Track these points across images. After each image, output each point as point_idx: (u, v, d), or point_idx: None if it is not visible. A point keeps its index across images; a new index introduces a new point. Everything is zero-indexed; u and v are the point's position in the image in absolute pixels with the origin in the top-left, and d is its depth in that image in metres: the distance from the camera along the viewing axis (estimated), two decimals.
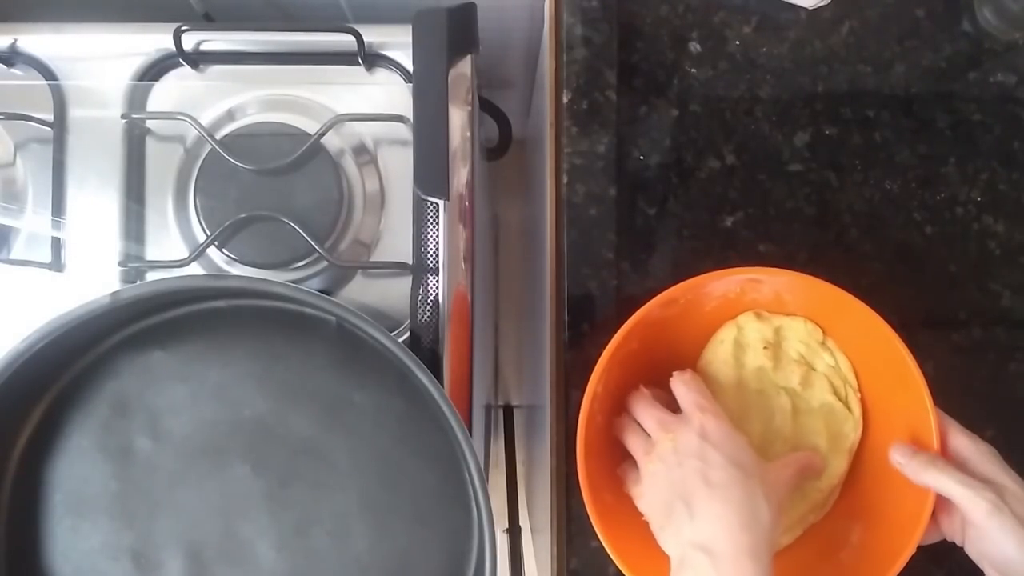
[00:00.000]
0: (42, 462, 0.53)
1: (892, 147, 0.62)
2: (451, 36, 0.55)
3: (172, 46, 0.57)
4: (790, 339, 0.55)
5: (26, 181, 0.59)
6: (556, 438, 0.60)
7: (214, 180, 0.57)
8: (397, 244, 0.58)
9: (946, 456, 0.49)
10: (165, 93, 0.59)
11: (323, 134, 0.56)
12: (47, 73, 0.58)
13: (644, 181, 0.61)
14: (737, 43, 0.62)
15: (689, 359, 0.56)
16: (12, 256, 0.58)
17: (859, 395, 0.55)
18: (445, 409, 0.48)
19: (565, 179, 0.60)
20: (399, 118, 0.58)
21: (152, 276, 0.57)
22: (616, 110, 0.61)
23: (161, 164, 0.59)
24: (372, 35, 0.58)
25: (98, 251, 0.58)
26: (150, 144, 0.59)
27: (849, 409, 0.54)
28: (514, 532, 1.00)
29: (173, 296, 0.52)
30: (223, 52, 0.59)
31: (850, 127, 0.62)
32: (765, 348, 0.55)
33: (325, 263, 0.57)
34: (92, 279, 0.57)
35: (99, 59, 0.59)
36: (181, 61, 0.58)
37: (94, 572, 0.53)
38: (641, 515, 0.51)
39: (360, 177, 0.58)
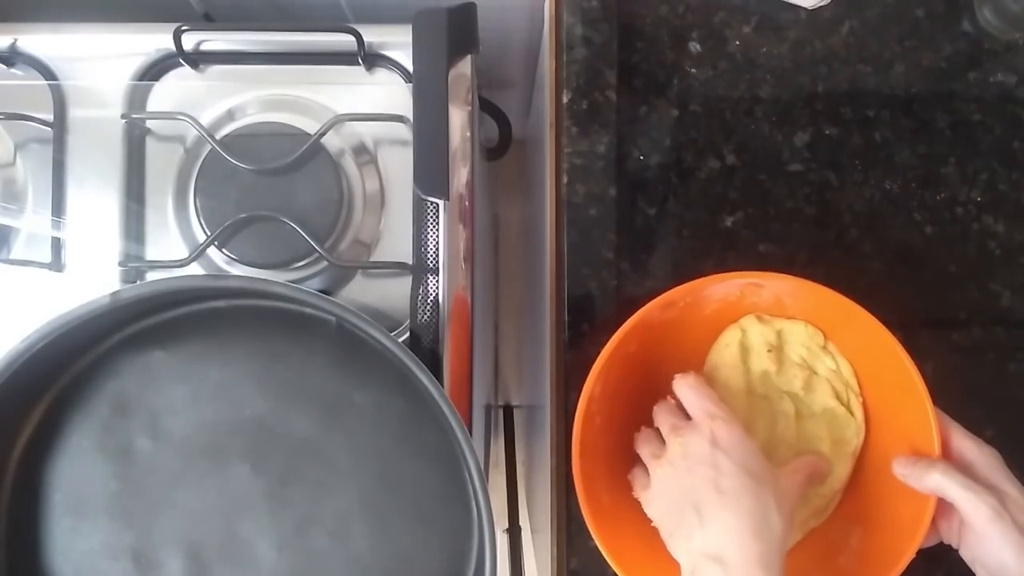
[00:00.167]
0: (42, 462, 0.53)
1: (892, 147, 0.62)
2: (451, 36, 0.55)
3: (172, 46, 0.57)
4: (791, 343, 0.55)
5: (26, 181, 0.59)
6: (556, 438, 0.60)
7: (214, 180, 0.57)
8: (397, 244, 0.58)
9: (949, 459, 0.49)
10: (165, 93, 0.59)
11: (323, 134, 0.56)
12: (47, 73, 0.58)
13: (644, 181, 0.61)
14: (737, 43, 0.62)
15: (689, 362, 0.56)
16: (12, 256, 0.58)
17: (861, 399, 0.54)
18: (445, 409, 0.48)
19: (565, 179, 0.60)
20: (399, 118, 0.58)
21: (152, 276, 0.57)
22: (616, 110, 0.61)
23: (161, 164, 0.59)
24: (372, 35, 0.58)
25: (98, 251, 0.58)
26: (150, 144, 0.59)
27: (851, 413, 0.54)
28: (514, 532, 1.00)
29: (173, 296, 0.52)
30: (223, 52, 0.59)
31: (850, 127, 0.62)
32: (769, 351, 0.54)
33: (325, 263, 0.57)
34: (92, 279, 0.57)
35: (99, 59, 0.59)
36: (181, 61, 0.58)
37: (94, 572, 0.53)
38: (641, 518, 0.50)
39: (360, 177, 0.58)
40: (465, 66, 0.57)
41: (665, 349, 0.55)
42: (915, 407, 0.50)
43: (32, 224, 0.58)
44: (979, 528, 0.45)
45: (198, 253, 0.56)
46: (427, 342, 0.54)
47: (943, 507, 0.48)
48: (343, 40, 0.57)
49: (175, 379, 0.53)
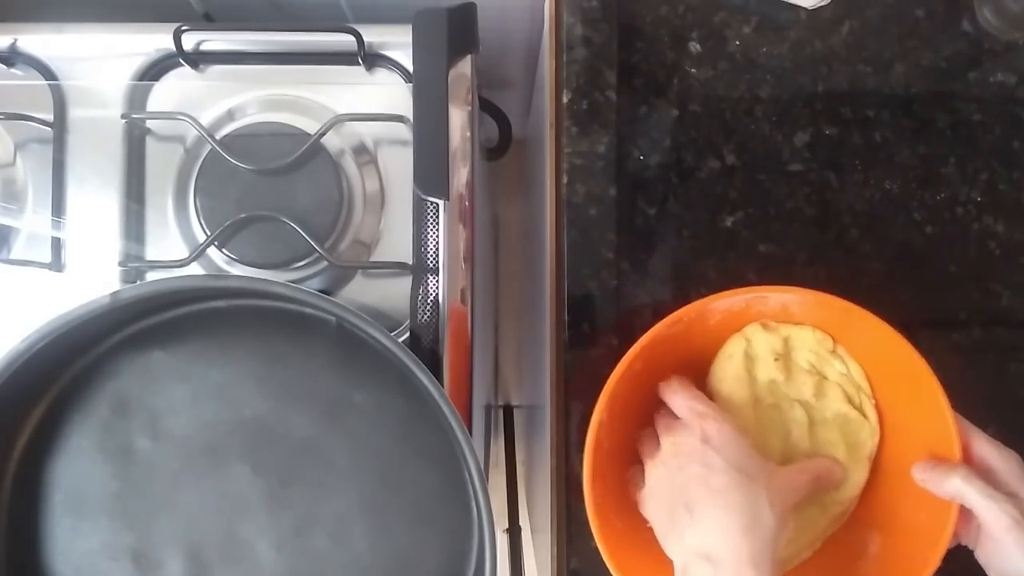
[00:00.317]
0: (42, 462, 0.53)
1: (892, 147, 0.62)
2: (451, 36, 0.55)
3: (172, 46, 0.57)
4: (799, 349, 0.54)
5: (26, 181, 0.59)
6: (556, 438, 0.60)
7: (214, 180, 0.57)
8: (397, 244, 0.58)
9: (970, 464, 0.48)
10: (165, 93, 0.59)
11: (323, 134, 0.56)
12: (47, 73, 0.58)
13: (644, 181, 0.61)
14: (737, 43, 0.62)
15: (694, 372, 0.55)
16: (12, 256, 0.58)
17: (873, 401, 0.54)
18: (445, 409, 0.48)
19: (565, 179, 0.60)
20: (399, 118, 0.58)
21: (152, 276, 0.57)
22: (616, 110, 0.61)
23: (161, 164, 0.59)
24: (372, 35, 0.58)
25: (98, 251, 0.58)
26: (150, 144, 0.59)
27: (865, 416, 0.53)
28: (514, 532, 1.00)
29: (173, 296, 0.52)
30: (223, 52, 0.59)
31: (850, 127, 0.62)
32: (776, 360, 0.53)
33: (325, 263, 0.57)
34: (92, 279, 0.57)
35: (99, 59, 0.59)
36: (181, 61, 0.58)
37: (94, 572, 0.53)
38: (650, 539, 0.49)
39: (360, 177, 0.58)
40: (465, 66, 0.57)
41: (670, 363, 0.54)
42: (933, 411, 0.49)
43: (32, 224, 0.58)
44: (997, 536, 0.44)
45: (198, 253, 0.56)
46: (427, 342, 0.54)
47: (962, 509, 0.48)
48: (343, 40, 0.57)
49: (175, 379, 0.53)
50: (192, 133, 0.58)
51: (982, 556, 0.47)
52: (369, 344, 0.51)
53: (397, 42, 0.59)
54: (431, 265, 0.55)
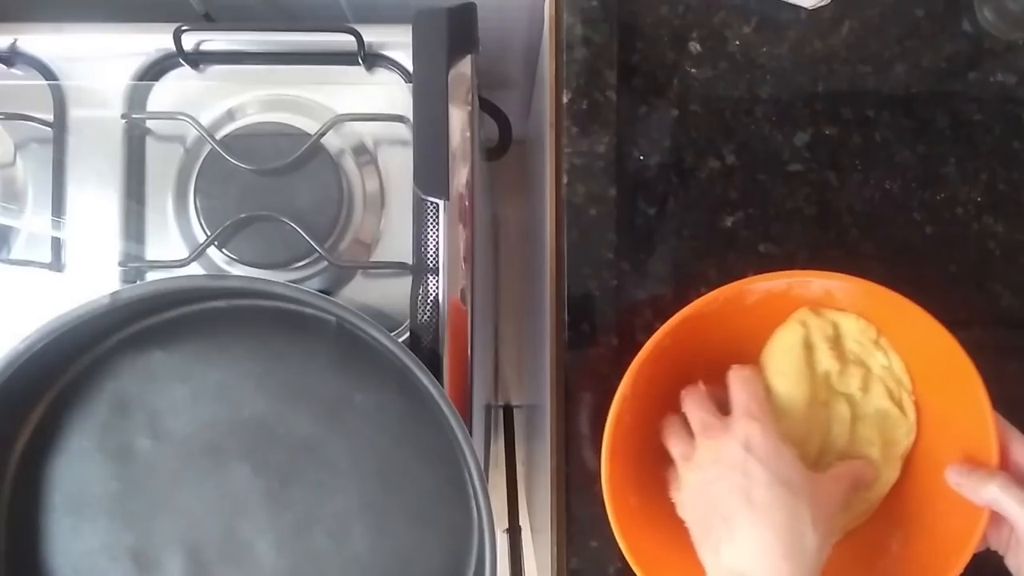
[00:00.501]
0: (42, 462, 0.53)
1: (892, 147, 0.62)
2: (451, 36, 0.55)
3: (172, 46, 0.57)
4: (845, 337, 0.52)
5: (26, 181, 0.59)
6: (556, 438, 0.60)
7: (214, 180, 0.57)
8: (397, 244, 0.58)
9: (1006, 467, 0.46)
10: (165, 93, 0.59)
11: (323, 134, 0.56)
12: (47, 73, 0.58)
13: (644, 181, 0.61)
14: (737, 43, 0.62)
15: (727, 354, 0.52)
16: (12, 256, 0.58)
17: (913, 398, 0.51)
18: (445, 409, 0.48)
19: (565, 179, 0.60)
20: (399, 118, 0.58)
21: (152, 276, 0.57)
22: (616, 110, 0.61)
23: (161, 164, 0.59)
24: (372, 35, 0.58)
25: (98, 251, 0.58)
26: (150, 144, 0.59)
27: (904, 414, 0.51)
28: (514, 532, 1.00)
29: (173, 296, 0.52)
30: (223, 52, 0.59)
31: (850, 127, 0.62)
32: (831, 349, 0.51)
33: (325, 263, 0.57)
34: (92, 279, 0.57)
35: (99, 59, 0.59)
36: (181, 61, 0.58)
37: (94, 572, 0.53)
38: (670, 519, 0.48)
39: (360, 177, 0.58)
40: (465, 66, 0.57)
41: (700, 341, 0.51)
42: (973, 411, 0.47)
43: (32, 224, 0.58)
44: None
45: (198, 253, 0.56)
46: (427, 342, 0.54)
47: (993, 514, 0.46)
48: (343, 40, 0.57)
49: (175, 379, 0.53)
50: (192, 133, 0.58)
51: (1013, 561, 0.46)
52: (369, 344, 0.51)
53: (397, 42, 0.59)
54: (431, 265, 0.55)
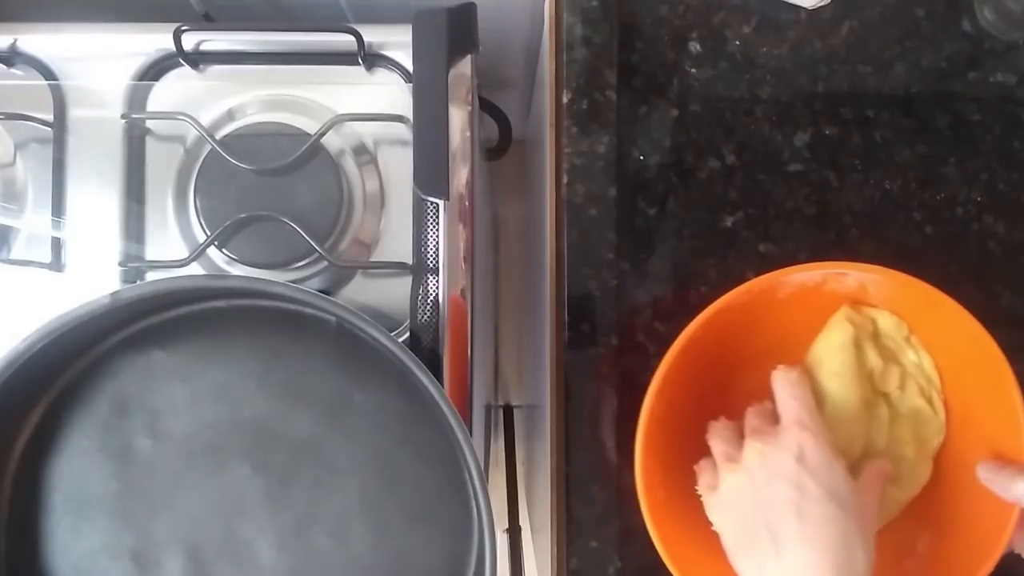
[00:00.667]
0: (42, 462, 0.53)
1: (892, 147, 0.62)
2: (451, 36, 0.55)
3: (172, 46, 0.57)
4: (881, 335, 0.51)
5: (26, 181, 0.59)
6: (556, 438, 0.60)
7: (214, 180, 0.57)
8: (397, 244, 0.58)
9: None
10: (165, 93, 0.59)
11: (323, 134, 0.56)
12: (47, 73, 0.58)
13: (644, 181, 0.61)
14: (737, 43, 0.62)
15: (759, 349, 0.52)
16: (12, 256, 0.58)
17: (942, 396, 0.51)
18: (445, 409, 0.48)
19: (565, 179, 0.60)
20: (399, 118, 0.58)
21: (152, 276, 0.57)
22: (616, 110, 0.61)
23: (161, 164, 0.59)
24: (372, 35, 0.58)
25: (98, 251, 0.58)
26: (150, 144, 0.59)
27: (935, 412, 0.51)
28: (514, 532, 1.00)
29: (173, 296, 0.52)
30: (223, 52, 0.59)
31: (850, 127, 0.62)
32: (874, 347, 0.50)
33: (325, 263, 0.57)
34: (92, 279, 0.57)
35: (99, 59, 0.59)
36: (181, 61, 0.58)
37: (94, 572, 0.53)
38: (698, 514, 0.48)
39: (360, 177, 0.58)
40: (465, 66, 0.57)
41: (731, 334, 0.51)
42: (1004, 408, 0.47)
43: (32, 224, 0.58)
44: None
45: (198, 253, 0.56)
46: (427, 342, 0.54)
47: (1021, 517, 0.46)
48: (343, 40, 0.57)
49: (175, 379, 0.53)
50: (192, 133, 0.58)
51: None
52: (369, 344, 0.51)
53: (397, 42, 0.59)
54: (431, 265, 0.55)
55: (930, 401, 0.51)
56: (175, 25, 0.57)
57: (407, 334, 0.55)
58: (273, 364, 0.53)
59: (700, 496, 0.49)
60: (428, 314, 0.55)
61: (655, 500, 0.49)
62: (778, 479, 0.43)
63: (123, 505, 0.53)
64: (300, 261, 0.57)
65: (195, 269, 0.57)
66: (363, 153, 0.59)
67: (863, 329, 0.50)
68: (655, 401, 0.49)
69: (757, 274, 0.60)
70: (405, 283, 0.56)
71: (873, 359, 0.50)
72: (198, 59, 0.59)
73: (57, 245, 0.58)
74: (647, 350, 0.60)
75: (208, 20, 0.74)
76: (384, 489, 0.53)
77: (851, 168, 0.62)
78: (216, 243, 0.56)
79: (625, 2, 0.62)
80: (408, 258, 0.56)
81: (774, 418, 0.48)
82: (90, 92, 0.58)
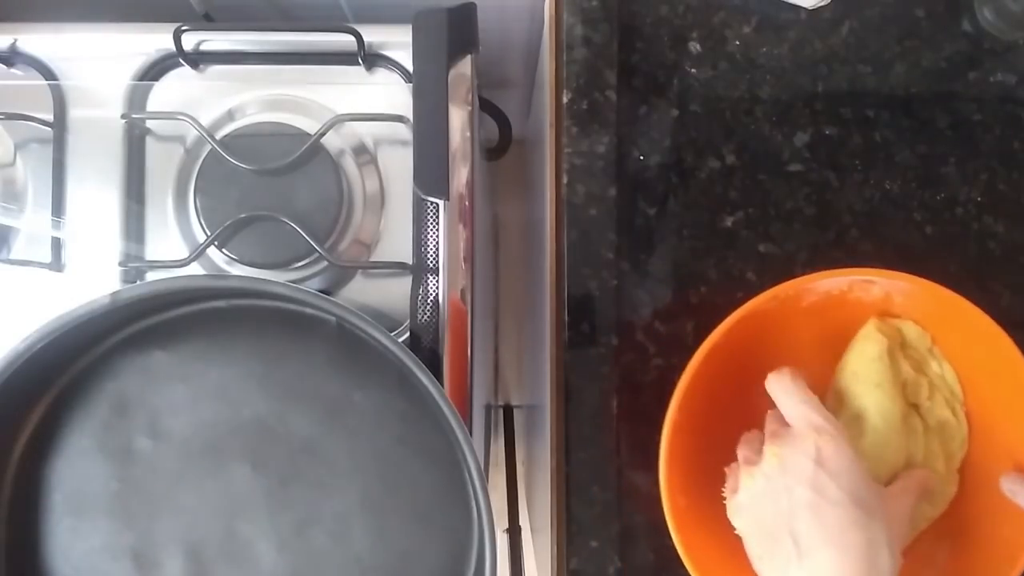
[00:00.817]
0: (42, 462, 0.53)
1: (892, 147, 0.62)
2: (451, 36, 0.55)
3: (172, 46, 0.57)
4: (908, 346, 0.51)
5: (26, 181, 0.59)
6: (556, 438, 0.60)
7: (214, 180, 0.57)
8: (397, 244, 0.58)
9: None
10: (165, 93, 0.59)
11: (323, 134, 0.56)
12: (47, 73, 0.58)
13: (644, 181, 0.61)
14: (737, 43, 0.62)
15: (780, 357, 0.51)
16: (12, 256, 0.58)
17: (964, 407, 0.50)
18: (445, 409, 0.48)
19: (565, 179, 0.60)
20: (399, 118, 0.58)
21: (152, 276, 0.57)
22: (616, 110, 0.61)
23: (161, 164, 0.59)
24: (372, 35, 0.58)
25: (98, 251, 0.58)
26: (150, 144, 0.59)
27: (959, 423, 0.50)
28: (514, 532, 1.00)
29: (173, 296, 0.52)
30: (223, 52, 0.59)
31: (850, 127, 0.62)
32: (906, 359, 0.49)
33: (325, 263, 0.57)
34: (92, 279, 0.57)
35: (99, 59, 0.59)
36: (181, 61, 0.58)
37: (94, 572, 0.53)
38: (719, 520, 0.47)
39: (360, 177, 0.58)
40: (465, 66, 0.57)
41: (754, 341, 0.50)
42: None
43: (32, 224, 0.58)
44: None
45: (198, 253, 0.56)
46: (427, 342, 0.54)
47: None
48: (343, 40, 0.57)
49: (175, 379, 0.53)
50: (192, 133, 0.58)
51: None
52: (369, 344, 0.51)
53: (397, 42, 0.59)
54: (431, 265, 0.55)
55: (954, 413, 0.50)
56: (175, 25, 0.57)
57: (407, 334, 0.55)
58: (273, 364, 0.53)
59: (724, 501, 0.49)
60: (428, 314, 0.55)
61: (677, 506, 0.49)
62: (797, 482, 0.42)
63: (123, 505, 0.53)
64: (300, 261, 0.57)
65: (195, 269, 0.57)
66: (363, 153, 0.59)
67: (894, 340, 0.50)
68: (679, 407, 0.48)
69: (757, 274, 0.60)
70: (405, 283, 0.56)
71: (906, 370, 0.50)
72: (198, 59, 0.59)
73: (57, 245, 0.58)
74: (647, 350, 0.60)
75: (208, 20, 0.74)
76: (384, 489, 0.53)
77: (851, 168, 0.62)
78: (216, 243, 0.56)
79: (625, 2, 0.62)
80: (408, 258, 0.56)
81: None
82: (90, 92, 0.58)
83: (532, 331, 0.92)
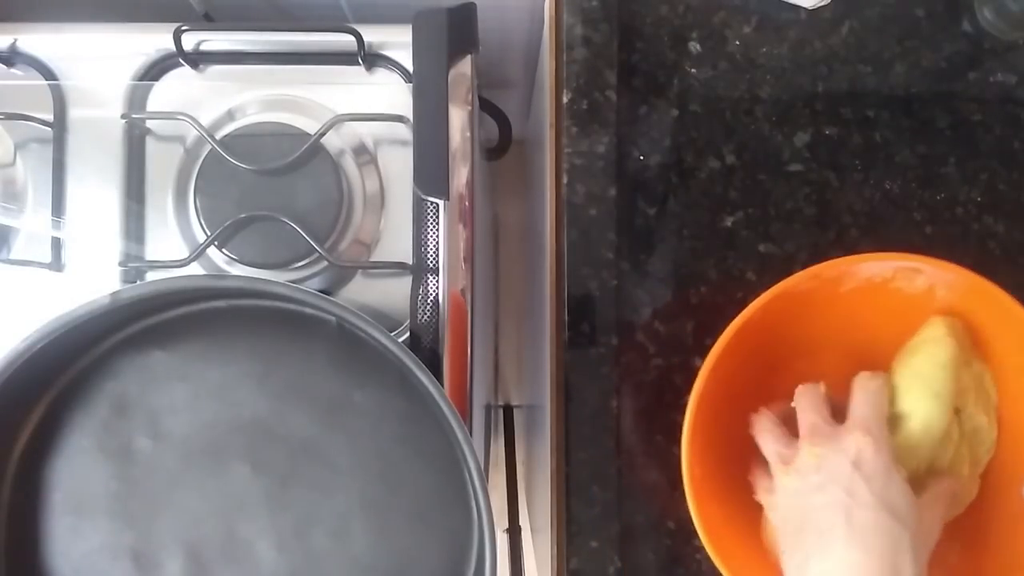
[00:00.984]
0: (42, 462, 0.53)
1: (892, 147, 0.62)
2: (451, 36, 0.55)
3: (172, 46, 0.57)
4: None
5: (26, 181, 0.59)
6: (556, 438, 0.60)
7: (214, 180, 0.57)
8: (397, 244, 0.58)
9: None
10: (165, 93, 0.59)
11: (323, 134, 0.56)
12: (47, 73, 0.58)
13: (644, 181, 0.61)
14: (737, 43, 0.62)
15: (815, 343, 0.50)
16: (12, 256, 0.58)
17: (997, 412, 0.49)
18: (445, 409, 0.48)
19: (565, 179, 0.60)
20: (399, 118, 0.58)
21: (152, 276, 0.57)
22: (616, 110, 0.61)
23: (161, 164, 0.59)
24: (372, 35, 0.58)
25: (98, 251, 0.58)
26: (150, 144, 0.59)
27: (990, 427, 0.49)
28: (514, 532, 1.00)
29: (173, 296, 0.52)
30: (223, 52, 0.59)
31: (850, 127, 0.62)
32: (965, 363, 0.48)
33: (325, 263, 0.57)
34: (92, 279, 0.57)
35: (99, 59, 0.59)
36: (181, 61, 0.58)
37: (94, 572, 0.53)
38: (746, 516, 0.47)
39: (360, 177, 0.58)
40: (465, 66, 0.57)
41: (787, 321, 0.49)
42: None
43: (32, 224, 0.58)
44: None
45: (198, 253, 0.56)
46: (427, 342, 0.54)
47: None
48: (343, 40, 0.57)
49: (175, 379, 0.53)
50: (192, 133, 0.58)
51: None
52: (369, 344, 0.51)
53: (397, 42, 0.59)
54: (431, 265, 0.55)
55: (987, 417, 0.50)
56: (175, 25, 0.57)
57: (407, 334, 0.55)
58: (273, 364, 0.53)
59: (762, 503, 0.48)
60: (428, 314, 0.55)
61: (694, 476, 0.48)
62: (831, 482, 0.42)
63: (123, 505, 0.53)
64: (300, 261, 0.57)
65: (195, 269, 0.57)
66: (363, 153, 0.59)
67: (962, 344, 0.48)
68: (707, 379, 0.48)
69: (757, 274, 0.60)
70: (405, 283, 0.56)
71: (965, 377, 0.48)
72: (198, 59, 0.59)
73: (57, 245, 0.58)
74: (647, 350, 0.60)
75: (208, 20, 0.74)
76: (384, 489, 0.53)
77: (851, 168, 0.62)
78: (216, 243, 0.56)
79: (625, 2, 0.62)
80: (408, 258, 0.56)
81: (827, 405, 0.47)
82: (90, 92, 0.58)
83: (532, 331, 0.92)
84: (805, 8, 0.62)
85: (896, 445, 0.46)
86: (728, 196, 0.61)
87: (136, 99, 0.59)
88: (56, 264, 0.58)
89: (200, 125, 0.56)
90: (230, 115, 0.59)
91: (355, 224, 0.58)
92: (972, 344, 0.50)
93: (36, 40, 0.59)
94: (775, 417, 0.48)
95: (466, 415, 0.56)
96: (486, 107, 0.78)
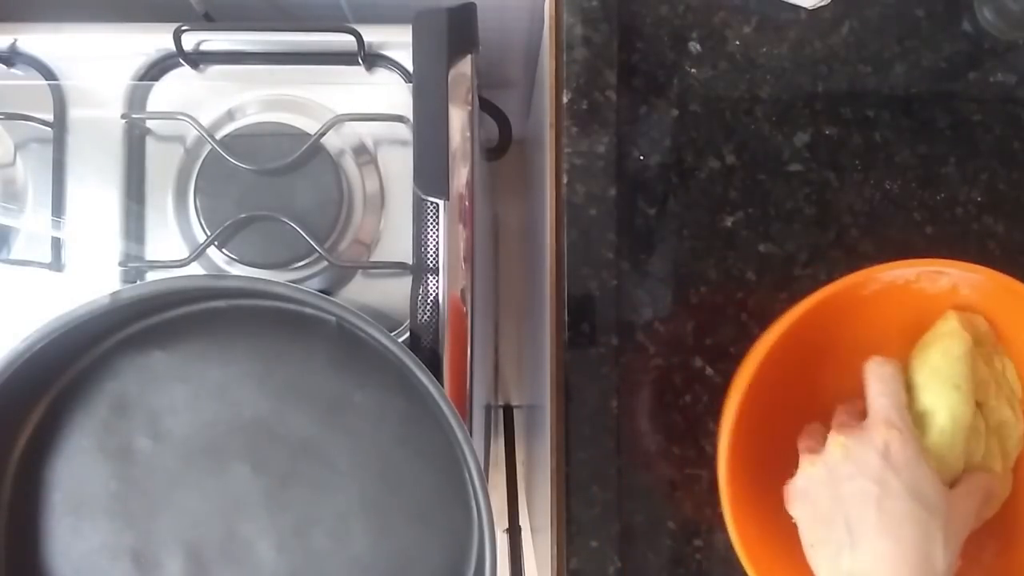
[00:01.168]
0: (42, 462, 0.53)
1: (892, 147, 0.62)
2: (451, 36, 0.55)
3: (172, 46, 0.57)
4: (979, 341, 0.50)
5: (26, 181, 0.59)
6: (556, 438, 0.60)
7: (214, 180, 0.57)
8: (397, 244, 0.58)
9: None
10: (165, 93, 0.59)
11: (323, 134, 0.56)
12: (47, 73, 0.58)
13: (644, 181, 0.61)
14: (737, 43, 0.62)
15: (841, 347, 0.50)
16: (12, 256, 0.58)
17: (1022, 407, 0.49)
18: (445, 409, 0.48)
19: (565, 179, 0.60)
20: (399, 118, 0.58)
21: (152, 276, 0.57)
22: (616, 110, 0.61)
23: (161, 164, 0.59)
24: (372, 35, 0.58)
25: (98, 251, 0.58)
26: (150, 144, 0.59)
27: (1017, 422, 0.49)
28: (514, 532, 1.00)
29: (173, 296, 0.52)
30: (223, 52, 0.59)
31: (850, 127, 0.62)
32: (981, 355, 0.48)
33: (325, 263, 0.57)
34: (92, 279, 0.57)
35: (99, 59, 0.59)
36: (181, 61, 0.58)
37: (94, 572, 0.53)
38: (779, 517, 0.47)
39: (360, 177, 0.58)
40: (465, 66, 0.57)
41: (815, 331, 0.49)
42: None
43: (32, 224, 0.58)
44: None
45: (198, 253, 0.56)
46: (427, 342, 0.54)
47: None
48: (343, 40, 0.57)
49: (175, 379, 0.53)
50: (192, 133, 0.58)
51: None
52: (369, 344, 0.51)
53: (397, 42, 0.59)
54: (431, 265, 0.55)
55: (1013, 411, 0.49)
56: (175, 25, 0.57)
57: (407, 334, 0.55)
58: (273, 364, 0.53)
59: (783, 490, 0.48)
60: (428, 314, 0.55)
61: (734, 492, 0.48)
62: (861, 474, 0.42)
63: (123, 505, 0.53)
64: (300, 261, 0.57)
65: (195, 269, 0.57)
66: (363, 153, 0.59)
67: (975, 337, 0.49)
68: (745, 395, 0.47)
69: (757, 274, 0.60)
70: (405, 283, 0.56)
71: (983, 369, 0.48)
72: (198, 59, 0.59)
73: (57, 245, 0.58)
74: (647, 350, 0.60)
75: (208, 20, 0.74)
76: (384, 489, 0.53)
77: (851, 168, 0.62)
78: (216, 243, 0.56)
79: (625, 2, 0.62)
80: (408, 258, 0.56)
81: (863, 417, 0.46)
82: (90, 92, 0.58)
83: (532, 331, 0.92)
84: (805, 8, 0.62)
85: (931, 444, 0.46)
86: (728, 196, 0.61)
87: (136, 99, 0.59)
88: (56, 264, 0.58)
89: (200, 125, 0.56)
90: (230, 115, 0.59)
91: (355, 224, 0.58)
92: (995, 340, 0.50)
93: (36, 40, 0.59)
94: (821, 426, 0.48)
95: (466, 415, 0.56)
96: (486, 107, 0.78)
